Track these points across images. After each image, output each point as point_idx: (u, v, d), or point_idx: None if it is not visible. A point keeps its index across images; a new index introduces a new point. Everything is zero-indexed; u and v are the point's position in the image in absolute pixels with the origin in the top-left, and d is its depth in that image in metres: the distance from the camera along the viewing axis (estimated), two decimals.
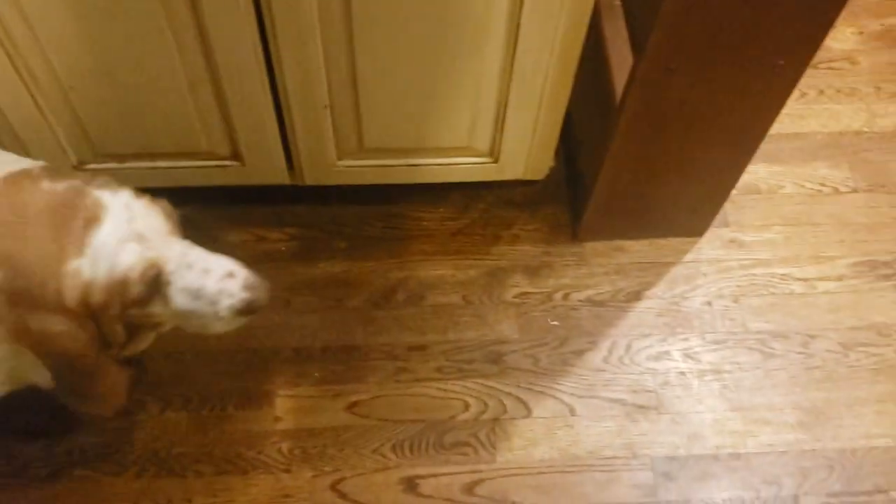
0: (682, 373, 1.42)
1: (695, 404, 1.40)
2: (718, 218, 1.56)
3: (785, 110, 1.72)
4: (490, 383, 1.39)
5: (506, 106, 1.27)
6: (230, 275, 0.95)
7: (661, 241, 1.55)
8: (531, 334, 1.45)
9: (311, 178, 1.40)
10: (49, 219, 0.85)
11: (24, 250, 0.84)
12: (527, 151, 1.39)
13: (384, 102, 1.25)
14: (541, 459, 1.33)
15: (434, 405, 1.37)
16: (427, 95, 1.24)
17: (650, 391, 1.40)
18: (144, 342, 1.03)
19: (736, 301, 1.49)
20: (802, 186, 1.62)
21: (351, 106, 1.24)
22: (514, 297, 1.49)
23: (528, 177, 1.47)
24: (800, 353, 1.44)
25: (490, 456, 1.33)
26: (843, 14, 1.84)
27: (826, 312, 1.49)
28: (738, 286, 1.51)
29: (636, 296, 1.50)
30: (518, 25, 1.12)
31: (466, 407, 1.37)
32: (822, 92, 1.74)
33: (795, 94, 1.73)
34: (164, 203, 0.95)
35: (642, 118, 1.23)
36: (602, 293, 1.50)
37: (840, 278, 1.52)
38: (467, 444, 1.34)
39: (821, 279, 1.52)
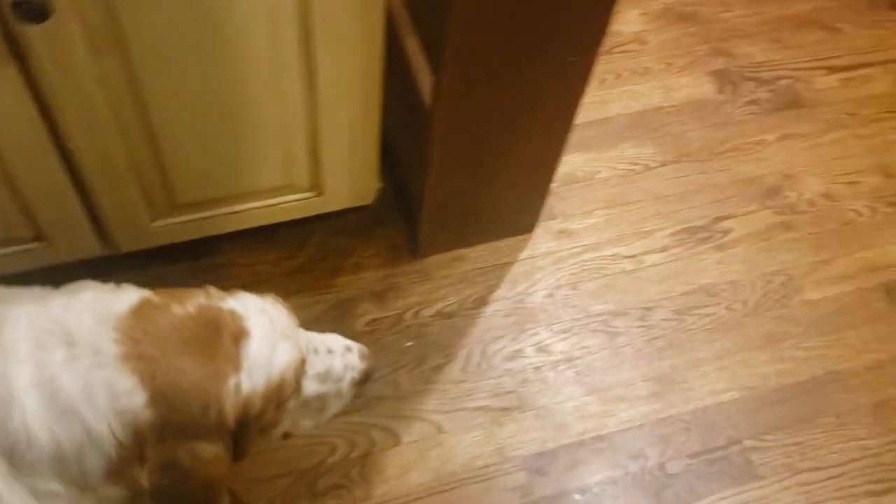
0: (538, 367, 1.46)
1: (554, 395, 1.43)
2: (545, 212, 1.61)
3: (588, 99, 1.80)
4: (355, 419, 1.37)
5: (317, 139, 1.25)
6: (348, 349, 1.00)
7: (497, 244, 1.58)
8: (388, 359, 1.44)
9: (126, 245, 1.33)
10: (197, 345, 0.82)
11: (179, 382, 0.80)
12: (349, 179, 1.38)
13: (190, 156, 1.20)
14: (417, 484, 1.33)
15: (301, 454, 1.33)
16: (233, 142, 1.20)
17: (511, 392, 1.43)
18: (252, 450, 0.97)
19: (574, 288, 1.55)
20: (615, 168, 1.70)
21: (154, 165, 1.19)
22: (365, 325, 1.47)
23: (357, 203, 1.46)
24: (640, 327, 1.51)
25: (366, 492, 1.31)
26: (630, 1, 1.95)
27: (657, 284, 1.57)
28: (574, 274, 1.56)
29: (482, 301, 1.52)
30: (314, 66, 1.11)
31: (334, 449, 1.34)
32: (619, 76, 1.83)
33: (595, 82, 1.82)
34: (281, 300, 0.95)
35: (454, 129, 1.25)
36: (450, 304, 1.51)
37: (664, 249, 1.61)
38: (340, 486, 1.31)
39: (646, 253, 1.60)
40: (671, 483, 1.37)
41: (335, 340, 0.99)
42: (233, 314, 0.86)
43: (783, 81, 1.85)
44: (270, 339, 0.86)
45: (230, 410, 0.83)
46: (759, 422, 1.44)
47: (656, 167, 1.71)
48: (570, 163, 1.69)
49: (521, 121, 1.28)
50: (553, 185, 1.64)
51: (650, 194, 1.67)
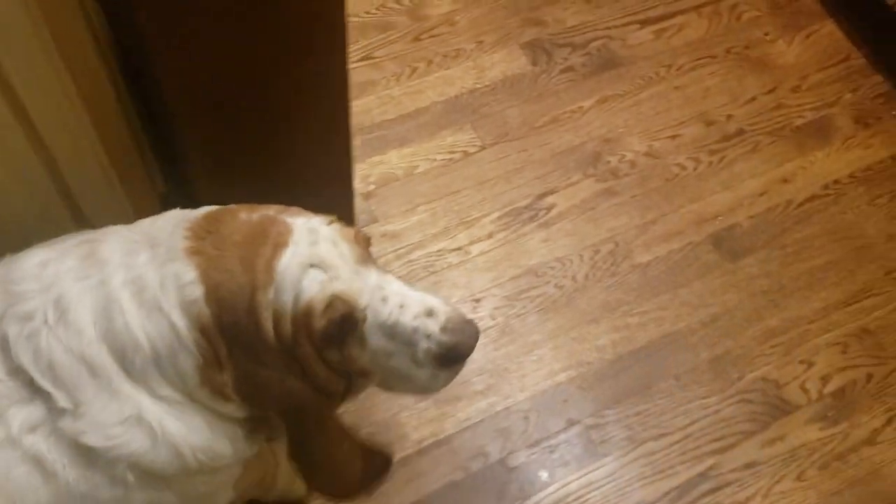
0: None
1: (391, 406, 1.39)
2: (365, 217, 1.56)
3: (401, 91, 1.76)
4: None
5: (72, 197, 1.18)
6: (429, 313, 0.84)
7: None
8: None
9: None
10: (244, 249, 0.80)
11: (227, 283, 0.79)
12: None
13: None
14: None
15: None
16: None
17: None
18: (360, 391, 0.91)
19: None
20: (434, 160, 1.65)
21: None
22: None
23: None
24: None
25: None
26: None
27: (485, 272, 1.53)
28: (402, 276, 1.51)
29: None
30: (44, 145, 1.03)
31: None
32: (430, 62, 1.78)
33: (407, 71, 1.77)
34: (356, 229, 0.87)
35: (222, 163, 1.19)
36: None
37: (490, 235, 1.57)
38: None
39: (473, 243, 1.56)
40: (513, 478, 1.35)
41: (417, 297, 0.85)
42: (284, 226, 0.82)
43: (597, 43, 1.82)
44: (301, 259, 0.80)
45: (265, 325, 0.80)
46: (599, 397, 1.42)
47: (476, 152, 1.67)
48: (387, 161, 1.64)
49: (292, 139, 1.22)
50: (372, 188, 1.60)
51: (472, 181, 1.63)
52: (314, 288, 0.80)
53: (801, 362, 1.48)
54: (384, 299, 0.83)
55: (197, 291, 0.79)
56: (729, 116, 1.74)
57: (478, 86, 1.76)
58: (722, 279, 1.55)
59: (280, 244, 0.80)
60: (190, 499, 0.89)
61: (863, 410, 1.44)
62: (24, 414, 0.78)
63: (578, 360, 1.45)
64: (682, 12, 1.89)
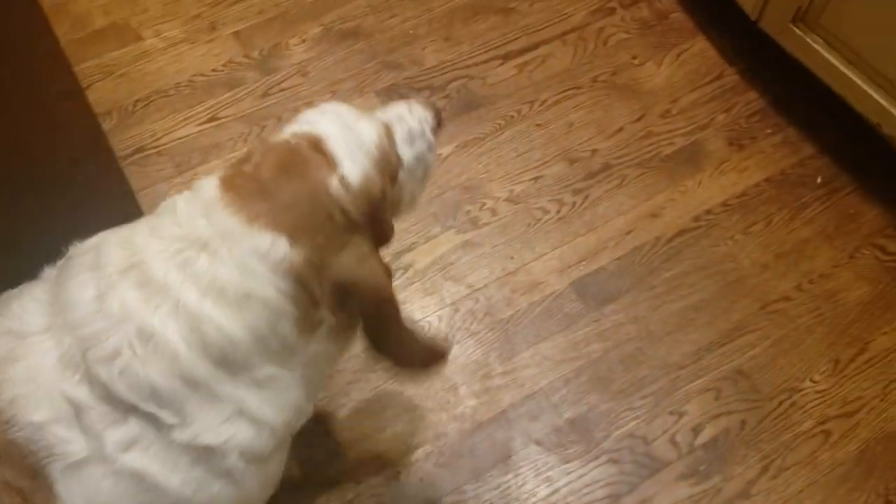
0: None
1: None
2: None
3: None
4: None
5: None
6: (409, 108, 1.01)
7: None
8: None
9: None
10: (287, 174, 0.86)
11: (298, 211, 0.85)
12: None
13: None
14: None
15: None
16: None
17: None
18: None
19: None
20: None
21: None
22: None
23: None
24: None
25: None
26: (283, 31, 1.80)
27: None
28: None
29: None
30: None
31: None
32: (279, 118, 1.68)
33: (255, 131, 1.68)
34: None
35: None
36: None
37: None
38: None
39: None
40: None
41: (396, 107, 1.01)
42: (296, 134, 0.90)
43: (456, 83, 1.74)
44: (346, 127, 0.91)
45: (351, 206, 0.88)
46: (458, 472, 1.34)
47: None
48: None
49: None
50: None
51: None
52: (373, 133, 0.92)
53: (672, 413, 1.40)
54: (400, 118, 0.99)
55: (281, 247, 0.84)
56: (594, 151, 1.67)
57: None
58: (586, 329, 1.47)
59: (314, 140, 0.89)
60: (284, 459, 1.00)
61: (736, 461, 1.37)
62: (118, 434, 0.83)
63: (436, 432, 1.37)
64: (545, 42, 1.81)
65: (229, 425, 0.86)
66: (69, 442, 0.82)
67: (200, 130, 1.66)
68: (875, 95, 1.49)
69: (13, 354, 0.85)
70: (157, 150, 1.63)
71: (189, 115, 1.68)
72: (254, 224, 0.83)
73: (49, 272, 0.93)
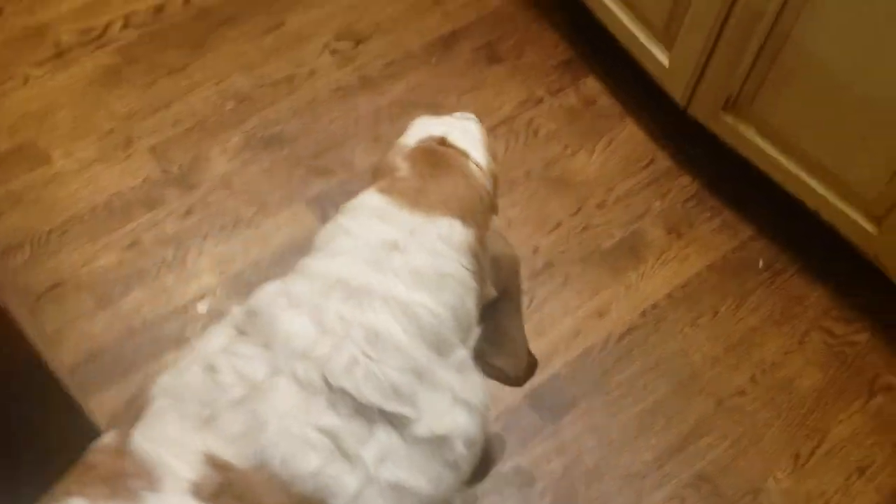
0: None
1: None
2: None
3: (172, 279, 1.56)
4: None
5: None
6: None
7: None
8: None
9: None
10: (436, 169, 1.00)
11: (459, 194, 0.98)
12: None
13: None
14: None
15: None
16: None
17: None
18: None
19: None
20: None
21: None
22: None
23: None
24: None
25: None
26: (202, 142, 1.69)
27: None
28: None
29: None
30: None
31: None
32: (206, 237, 1.60)
33: (179, 254, 1.49)
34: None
35: None
36: None
37: None
38: None
39: None
40: None
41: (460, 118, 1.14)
42: (422, 139, 1.04)
43: None
44: (454, 126, 1.06)
45: (490, 187, 1.04)
46: None
47: None
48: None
49: None
50: None
51: None
52: (481, 131, 1.10)
53: None
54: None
55: (458, 229, 0.95)
56: (535, 249, 1.63)
57: (262, 257, 1.59)
58: (544, 445, 1.42)
59: (441, 139, 1.04)
60: None
61: None
62: (372, 450, 0.85)
63: None
64: None
65: (452, 413, 0.90)
66: (342, 476, 0.83)
67: (121, 258, 1.56)
68: (811, 183, 1.49)
69: (259, 415, 0.83)
70: (75, 283, 1.53)
71: (108, 241, 1.58)
72: (431, 214, 0.94)
73: (223, 335, 0.91)
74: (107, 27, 1.87)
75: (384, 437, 0.85)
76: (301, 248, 1.56)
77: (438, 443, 0.89)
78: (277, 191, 1.67)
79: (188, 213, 1.63)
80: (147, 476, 0.78)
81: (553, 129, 1.80)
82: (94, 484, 0.78)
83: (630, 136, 1.81)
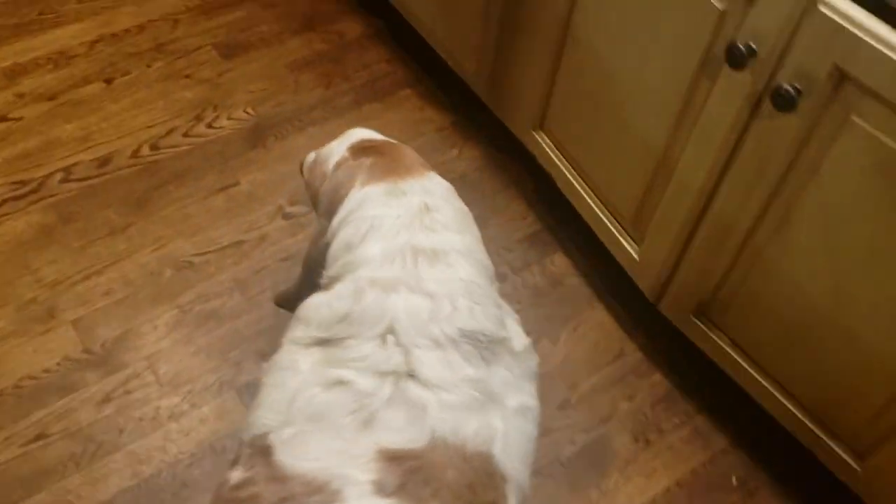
0: None
1: None
2: None
3: (79, 480, 1.41)
4: None
5: None
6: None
7: None
8: None
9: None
10: (384, 147, 1.19)
11: (416, 159, 1.17)
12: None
13: None
14: None
15: None
16: None
17: None
18: None
19: None
20: None
21: None
22: None
23: None
24: None
25: None
26: (132, 317, 1.54)
27: None
28: None
29: None
30: None
31: None
32: (122, 431, 1.45)
33: (89, 450, 1.41)
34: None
35: None
36: None
37: None
38: None
39: None
40: None
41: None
42: (353, 142, 1.22)
43: None
44: (361, 131, 1.27)
45: None
46: None
47: None
48: None
49: None
50: None
51: None
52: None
53: None
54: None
55: (440, 178, 1.14)
56: None
57: (181, 456, 1.43)
58: None
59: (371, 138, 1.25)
60: None
61: None
62: (498, 379, 0.96)
63: None
64: None
65: (518, 327, 1.06)
66: (492, 421, 0.91)
67: (24, 452, 1.40)
68: (787, 403, 1.35)
69: (415, 399, 0.89)
70: None
71: (12, 432, 1.42)
72: (420, 175, 1.10)
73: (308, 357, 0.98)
74: (45, 180, 1.76)
75: (501, 364, 0.96)
76: (225, 447, 1.45)
77: (528, 353, 1.03)
78: (208, 376, 1.53)
79: (105, 401, 1.48)
80: (322, 491, 0.81)
81: (517, 310, 1.66)
82: None
83: (598, 322, 1.67)
